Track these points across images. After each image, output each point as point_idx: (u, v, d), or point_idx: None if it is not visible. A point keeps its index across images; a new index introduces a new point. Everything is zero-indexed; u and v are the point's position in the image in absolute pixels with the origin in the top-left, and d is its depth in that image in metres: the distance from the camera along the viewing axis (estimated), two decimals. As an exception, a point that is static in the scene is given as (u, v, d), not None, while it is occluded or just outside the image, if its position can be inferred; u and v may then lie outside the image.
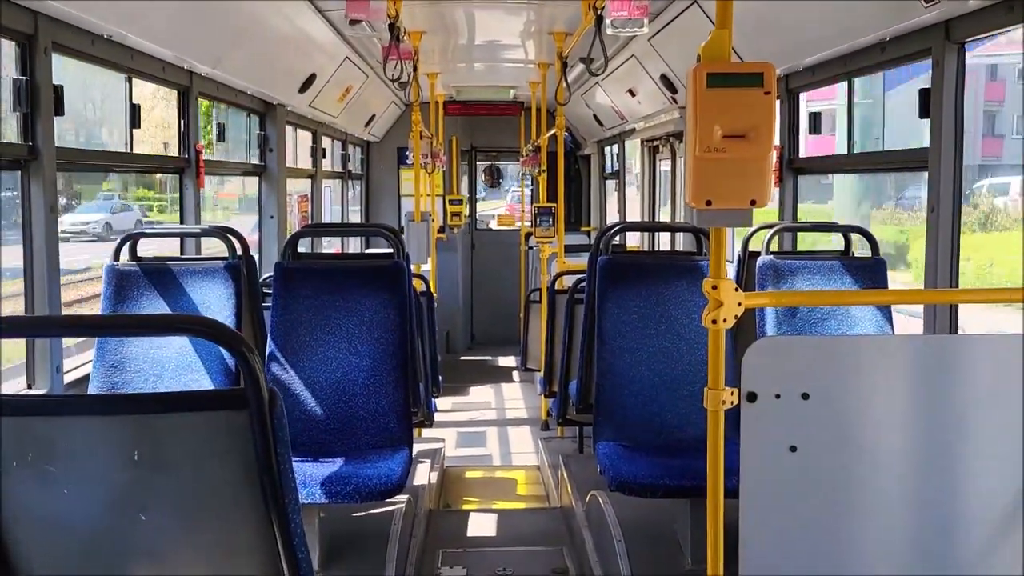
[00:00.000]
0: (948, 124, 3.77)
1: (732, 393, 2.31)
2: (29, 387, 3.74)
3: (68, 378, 3.99)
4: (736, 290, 2.32)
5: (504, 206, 15.37)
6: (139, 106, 4.76)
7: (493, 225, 13.96)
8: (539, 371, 8.00)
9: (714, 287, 2.31)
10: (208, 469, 1.66)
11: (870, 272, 4.35)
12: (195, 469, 1.66)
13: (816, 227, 5.23)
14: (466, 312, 13.11)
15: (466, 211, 12.71)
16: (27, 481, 1.64)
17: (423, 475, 5.69)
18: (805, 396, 2.25)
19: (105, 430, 1.63)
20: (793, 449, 2.26)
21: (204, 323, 1.64)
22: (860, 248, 4.65)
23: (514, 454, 8.02)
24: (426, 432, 6.79)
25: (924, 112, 3.87)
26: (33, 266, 3.69)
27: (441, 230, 11.62)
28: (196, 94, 5.38)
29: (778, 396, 2.25)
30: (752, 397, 2.25)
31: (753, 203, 2.33)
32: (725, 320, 2.33)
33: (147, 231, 4.35)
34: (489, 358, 12.40)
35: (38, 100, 3.61)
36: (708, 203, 2.31)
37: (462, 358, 12.41)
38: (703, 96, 2.25)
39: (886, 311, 4.27)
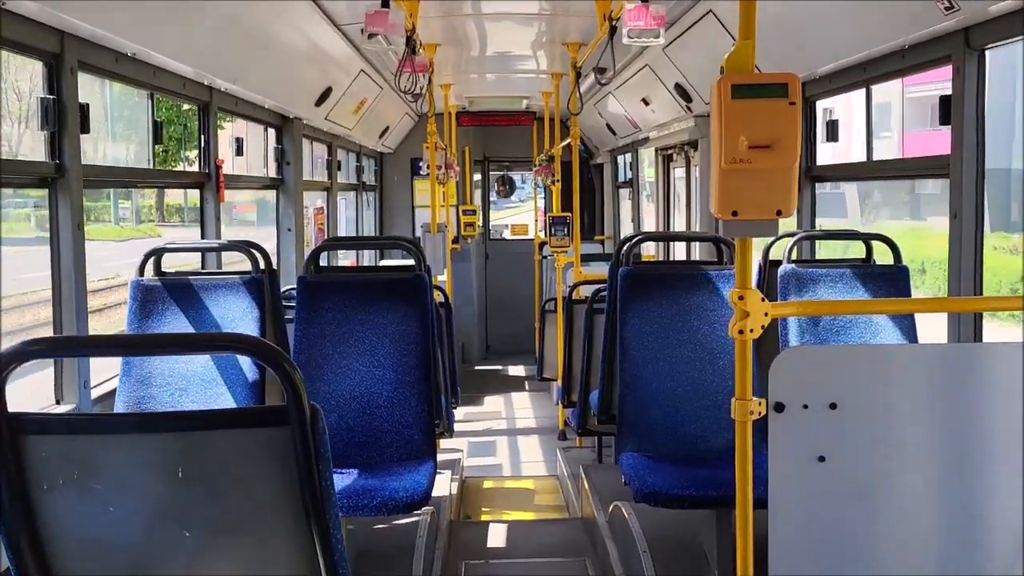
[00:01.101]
0: (969, 130, 3.77)
1: (760, 403, 2.31)
2: (57, 403, 3.77)
3: (95, 392, 4.02)
4: (763, 300, 2.33)
5: (522, 215, 15.42)
6: (162, 123, 4.81)
7: (507, 235, 13.99)
8: (556, 381, 8.01)
9: (741, 297, 2.32)
10: (251, 485, 1.67)
11: (893, 280, 4.34)
12: (238, 486, 1.67)
13: (838, 235, 5.22)
14: (481, 322, 13.13)
15: (480, 221, 12.74)
16: (72, 498, 1.66)
17: (443, 486, 5.70)
18: (833, 406, 2.25)
19: (148, 448, 1.65)
20: (821, 459, 2.26)
21: (245, 340, 1.66)
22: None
23: (530, 463, 8.02)
24: (444, 443, 6.81)
25: (945, 119, 3.87)
26: (61, 284, 3.72)
27: (455, 240, 11.66)
28: (215, 109, 5.43)
29: (805, 406, 2.25)
30: (780, 407, 2.25)
31: (779, 213, 2.34)
32: (752, 330, 2.33)
33: (170, 247, 4.38)
34: (503, 368, 12.41)
35: (65, 119, 3.65)
36: (734, 214, 2.32)
37: (477, 368, 12.42)
38: (728, 107, 2.26)
39: (909, 319, 4.26)
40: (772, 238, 4.73)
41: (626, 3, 4.49)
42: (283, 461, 1.63)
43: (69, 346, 2.04)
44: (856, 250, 4.70)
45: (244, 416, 1.68)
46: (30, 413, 1.66)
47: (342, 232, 9.88)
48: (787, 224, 5.56)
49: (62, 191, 3.68)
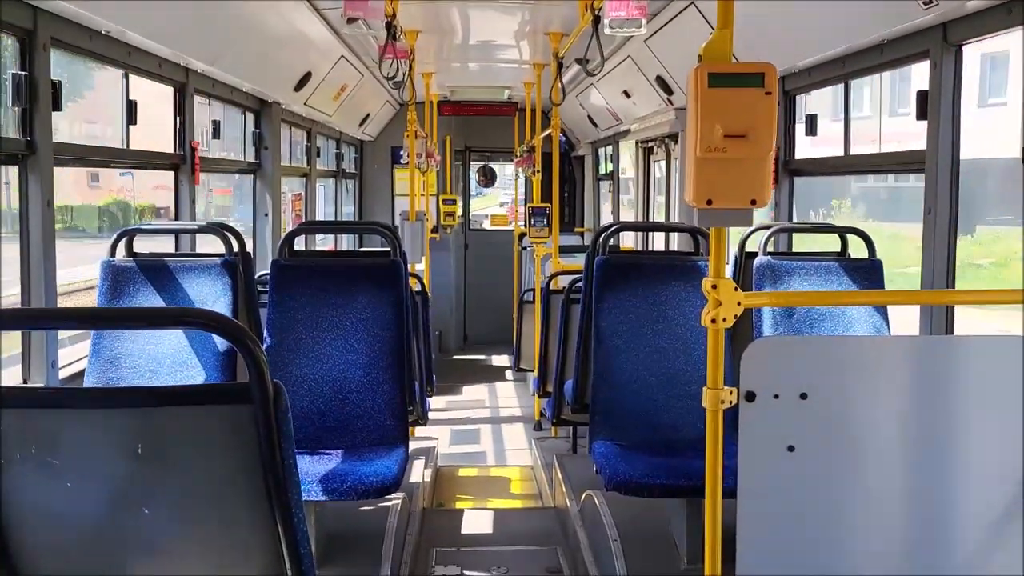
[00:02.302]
0: (945, 126, 3.79)
1: (731, 392, 2.32)
2: (25, 382, 3.72)
3: (63, 373, 3.97)
4: (735, 290, 2.33)
5: (503, 204, 15.38)
6: (135, 102, 4.75)
7: (486, 225, 13.97)
8: (532, 371, 8.01)
9: (714, 286, 2.32)
10: (211, 463, 1.65)
11: (867, 273, 4.37)
12: (198, 463, 1.65)
13: (813, 228, 5.25)
14: (459, 312, 13.11)
15: (459, 211, 12.71)
16: (30, 474, 1.63)
17: (417, 473, 5.69)
18: (803, 396, 2.26)
19: (108, 423, 1.63)
20: (791, 449, 2.27)
21: (209, 316, 1.64)
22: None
23: (507, 452, 8.03)
24: (419, 431, 6.79)
25: (922, 114, 3.89)
26: (30, 260, 3.67)
27: (434, 230, 11.61)
28: (192, 91, 5.37)
29: (776, 396, 2.26)
30: (751, 397, 2.26)
31: (753, 203, 2.35)
32: (724, 320, 2.34)
33: (143, 227, 4.33)
34: (482, 357, 12.41)
35: (36, 95, 3.60)
36: (709, 202, 2.32)
37: (455, 357, 12.41)
38: (704, 96, 2.26)
39: (883, 311, 4.29)
40: (748, 229, 4.75)
41: (608, -8, 4.47)
42: (245, 439, 1.61)
43: (27, 318, 2.00)
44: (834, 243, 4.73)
45: (205, 393, 1.65)
46: (-13, 387, 1.63)
47: (320, 219, 9.81)
48: (764, 219, 5.59)
49: (32, 168, 3.63)
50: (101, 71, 4.46)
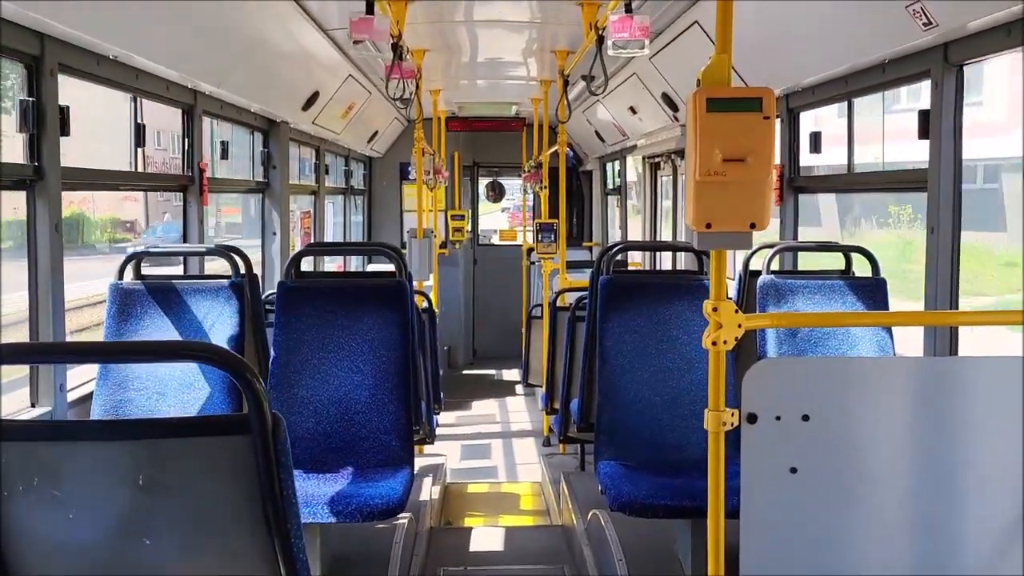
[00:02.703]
0: (947, 145, 3.79)
1: (733, 414, 2.32)
2: (32, 406, 3.75)
3: (71, 396, 4.00)
4: (736, 311, 2.34)
5: (506, 215, 15.41)
6: (144, 126, 4.80)
7: (495, 240, 14.00)
8: (541, 387, 8.01)
9: (714, 309, 2.33)
10: (212, 493, 1.67)
11: (871, 292, 4.36)
12: (199, 493, 1.67)
13: (817, 247, 5.24)
14: (468, 327, 13.13)
15: (468, 226, 12.74)
16: (33, 505, 1.65)
17: (425, 492, 5.69)
18: (805, 418, 2.26)
19: (110, 455, 1.65)
20: (793, 471, 2.27)
21: (209, 350, 1.66)
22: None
23: (518, 466, 8.03)
24: (428, 448, 6.80)
25: (923, 133, 3.89)
26: (38, 286, 3.70)
27: (443, 245, 11.65)
28: (200, 112, 5.41)
29: (778, 418, 2.26)
30: (752, 418, 2.26)
31: (752, 226, 2.35)
32: (725, 342, 2.34)
33: (151, 250, 4.38)
34: (491, 372, 12.42)
35: (44, 121, 3.63)
36: (708, 226, 2.33)
37: (464, 372, 12.42)
38: (703, 120, 2.28)
39: (887, 331, 4.28)
40: (753, 248, 4.75)
41: (610, 14, 4.50)
42: (245, 469, 1.62)
43: (35, 352, 2.03)
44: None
45: (205, 425, 1.67)
46: (-9, 419, 1.66)
47: (329, 237, 9.86)
48: (771, 236, 5.59)
49: (40, 193, 3.67)
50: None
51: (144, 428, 1.67)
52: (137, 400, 3.95)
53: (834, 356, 4.12)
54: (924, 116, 3.89)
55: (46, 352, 2.02)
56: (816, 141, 5.34)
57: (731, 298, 2.37)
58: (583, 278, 7.34)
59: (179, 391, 3.98)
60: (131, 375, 4.00)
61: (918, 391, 2.31)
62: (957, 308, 3.83)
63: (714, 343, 2.34)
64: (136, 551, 1.69)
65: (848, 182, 5.12)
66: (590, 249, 12.58)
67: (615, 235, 11.58)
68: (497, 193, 13.89)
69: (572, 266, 8.28)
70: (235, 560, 1.73)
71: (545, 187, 9.22)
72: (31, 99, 3.62)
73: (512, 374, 12.12)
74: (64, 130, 3.77)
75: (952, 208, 3.79)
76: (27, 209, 3.69)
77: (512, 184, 14.05)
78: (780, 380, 2.29)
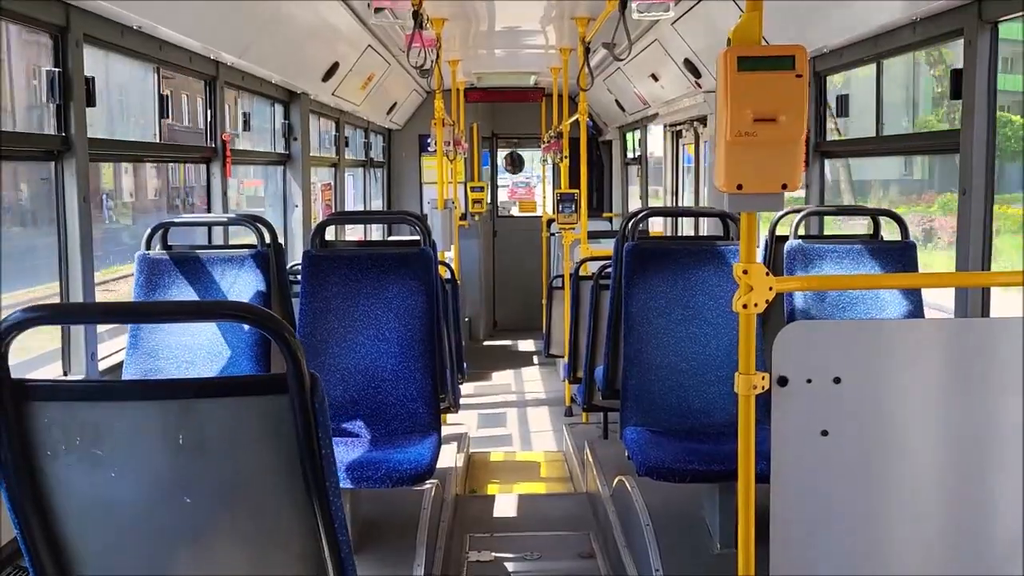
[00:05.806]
0: (981, 105, 3.73)
1: (763, 378, 2.31)
2: (65, 374, 3.80)
3: (102, 365, 4.04)
4: (767, 275, 2.32)
5: (504, 191, 15.29)
6: (168, 96, 4.80)
7: (515, 211, 13.96)
8: (563, 357, 8.01)
9: (745, 272, 2.31)
10: (250, 453, 1.69)
11: (899, 255, 4.32)
12: (237, 453, 1.69)
13: (844, 211, 5.18)
14: (488, 298, 13.15)
15: (487, 198, 12.72)
16: (76, 465, 1.67)
17: (449, 459, 5.73)
18: (836, 380, 2.25)
19: (150, 415, 1.67)
20: (824, 433, 2.26)
21: (246, 309, 1.67)
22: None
23: (537, 435, 8.06)
24: (451, 417, 6.83)
25: (956, 93, 3.83)
26: (68, 255, 3.74)
27: (463, 217, 11.63)
28: (222, 83, 5.41)
29: (809, 381, 2.25)
30: (783, 381, 2.26)
31: (784, 187, 2.33)
32: (756, 305, 2.33)
33: (176, 220, 4.39)
34: (511, 343, 12.44)
35: (71, 91, 3.65)
36: (739, 187, 2.31)
37: (484, 343, 12.46)
38: (734, 79, 2.25)
39: (916, 295, 4.24)
40: (778, 213, 4.71)
41: (634, -24, 4.45)
42: (283, 429, 1.64)
43: (66, 313, 2.05)
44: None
45: (244, 384, 1.68)
46: (33, 380, 1.68)
47: (349, 208, 9.88)
48: (794, 203, 5.54)
49: (68, 164, 3.69)
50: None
51: (183, 388, 1.69)
52: (167, 369, 3.99)
53: (864, 319, 4.10)
54: (956, 76, 3.82)
55: (82, 313, 2.03)
56: (843, 104, 5.27)
57: (760, 263, 2.35)
58: (603, 248, 7.31)
59: (208, 359, 4.01)
60: (160, 344, 4.03)
61: (950, 353, 2.30)
62: (990, 269, 3.79)
63: (744, 306, 2.33)
64: (176, 510, 1.71)
65: (877, 146, 5.05)
66: (610, 220, 12.52)
67: (635, 205, 11.52)
68: (516, 165, 13.84)
69: (592, 236, 8.24)
70: (273, 518, 1.75)
71: (566, 157, 9.16)
72: (57, 70, 3.63)
73: (529, 345, 12.14)
74: (90, 101, 3.78)
75: (985, 170, 3.74)
76: (54, 180, 3.71)
77: (533, 155, 13.99)
78: (811, 343, 2.27)
